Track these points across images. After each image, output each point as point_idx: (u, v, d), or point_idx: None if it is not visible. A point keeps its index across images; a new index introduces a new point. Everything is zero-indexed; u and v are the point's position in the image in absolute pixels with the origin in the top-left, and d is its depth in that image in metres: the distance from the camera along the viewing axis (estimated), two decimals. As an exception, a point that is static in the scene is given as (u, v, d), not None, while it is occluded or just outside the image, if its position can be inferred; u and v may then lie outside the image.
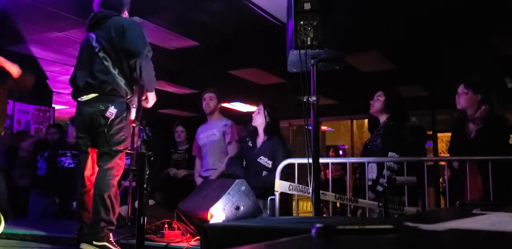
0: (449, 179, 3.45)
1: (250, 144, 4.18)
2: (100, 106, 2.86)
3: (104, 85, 2.89)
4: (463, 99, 3.34)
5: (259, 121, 4.09)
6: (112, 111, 2.84)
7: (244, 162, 4.20)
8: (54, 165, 5.51)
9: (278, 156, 3.88)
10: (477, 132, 3.24)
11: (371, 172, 3.61)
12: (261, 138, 4.12)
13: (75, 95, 3.02)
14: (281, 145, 4.01)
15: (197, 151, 4.65)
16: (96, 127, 2.88)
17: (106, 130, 2.83)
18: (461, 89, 3.36)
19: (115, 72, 2.91)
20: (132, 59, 2.91)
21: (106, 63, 2.91)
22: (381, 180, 3.43)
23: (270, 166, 3.91)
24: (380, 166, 3.50)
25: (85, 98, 2.94)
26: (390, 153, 3.48)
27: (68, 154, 5.57)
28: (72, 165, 5.51)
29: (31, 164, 5.81)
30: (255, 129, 4.15)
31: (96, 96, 2.91)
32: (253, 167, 4.01)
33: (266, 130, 4.05)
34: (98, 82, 2.90)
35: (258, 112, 4.12)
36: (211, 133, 4.49)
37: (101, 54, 2.93)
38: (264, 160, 3.97)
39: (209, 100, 4.47)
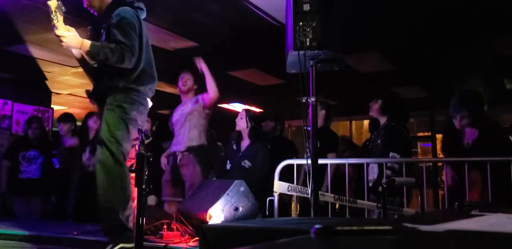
0: (448, 181, 3.45)
1: (234, 147, 4.34)
2: None
3: None
4: (465, 122, 3.30)
5: (242, 126, 4.29)
6: None
7: (228, 165, 4.31)
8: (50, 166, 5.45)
9: (258, 160, 4.09)
10: (474, 142, 3.23)
11: (372, 173, 3.62)
12: (245, 142, 4.29)
13: (152, 85, 3.05)
14: (261, 150, 4.19)
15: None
16: None
17: None
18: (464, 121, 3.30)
19: None
20: None
21: None
22: (383, 180, 3.43)
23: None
24: (381, 166, 3.50)
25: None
26: (391, 154, 3.49)
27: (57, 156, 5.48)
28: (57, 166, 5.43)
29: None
30: (240, 133, 4.34)
31: None
32: (237, 170, 4.15)
33: (250, 135, 4.25)
34: None
35: (241, 118, 4.33)
36: (184, 107, 4.40)
37: None
38: (247, 164, 4.14)
39: (186, 80, 4.42)
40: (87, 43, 2.72)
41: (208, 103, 4.26)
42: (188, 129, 4.22)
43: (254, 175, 4.02)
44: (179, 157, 4.17)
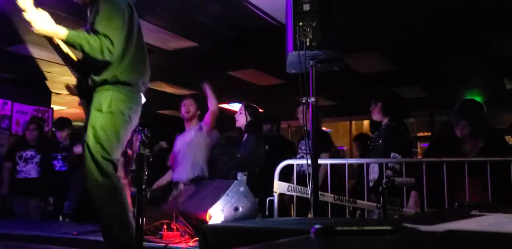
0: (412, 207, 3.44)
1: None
2: None
3: None
4: (465, 132, 3.29)
5: (242, 122, 4.25)
6: None
7: None
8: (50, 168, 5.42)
9: (245, 151, 4.10)
10: (481, 151, 3.20)
11: (373, 173, 3.62)
12: (245, 137, 4.28)
13: (145, 78, 2.73)
14: (254, 143, 4.15)
15: (171, 160, 4.49)
16: None
17: None
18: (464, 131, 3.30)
19: None
20: None
21: None
22: (384, 180, 3.43)
23: None
24: (382, 166, 3.50)
25: None
26: (392, 154, 3.50)
27: (59, 157, 5.45)
28: (64, 169, 5.41)
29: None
30: (240, 130, 4.32)
31: None
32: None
33: (246, 129, 4.21)
34: None
35: (240, 113, 4.30)
36: (187, 135, 4.37)
37: None
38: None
39: (189, 106, 4.39)
40: (63, 31, 2.38)
41: (209, 118, 4.22)
42: (191, 158, 4.19)
43: (243, 163, 4.06)
44: (180, 187, 4.18)
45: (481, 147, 3.20)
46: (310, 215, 3.23)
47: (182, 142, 4.35)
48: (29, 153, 5.43)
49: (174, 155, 4.43)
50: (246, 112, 4.24)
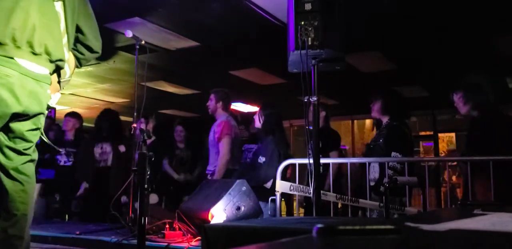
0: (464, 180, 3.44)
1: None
2: None
3: None
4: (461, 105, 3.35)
5: (257, 123, 4.27)
6: None
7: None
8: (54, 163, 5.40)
9: (267, 156, 4.01)
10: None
11: (373, 172, 3.62)
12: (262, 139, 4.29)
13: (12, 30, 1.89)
14: (270, 145, 4.08)
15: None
16: None
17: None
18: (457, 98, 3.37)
19: None
20: None
21: None
22: (385, 180, 3.43)
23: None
24: (383, 166, 3.50)
25: None
26: (393, 153, 3.49)
27: (63, 152, 5.41)
28: (68, 164, 5.39)
29: None
30: (258, 131, 4.36)
31: None
32: (256, 168, 4.07)
33: (260, 131, 4.23)
34: None
35: (257, 114, 4.31)
36: (211, 132, 4.55)
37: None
38: (262, 160, 4.05)
39: (209, 101, 4.56)
40: None
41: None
42: (216, 150, 4.34)
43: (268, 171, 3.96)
44: (208, 177, 4.34)
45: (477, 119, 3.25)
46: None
47: (211, 134, 4.52)
48: None
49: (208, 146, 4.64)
50: (260, 113, 4.23)
